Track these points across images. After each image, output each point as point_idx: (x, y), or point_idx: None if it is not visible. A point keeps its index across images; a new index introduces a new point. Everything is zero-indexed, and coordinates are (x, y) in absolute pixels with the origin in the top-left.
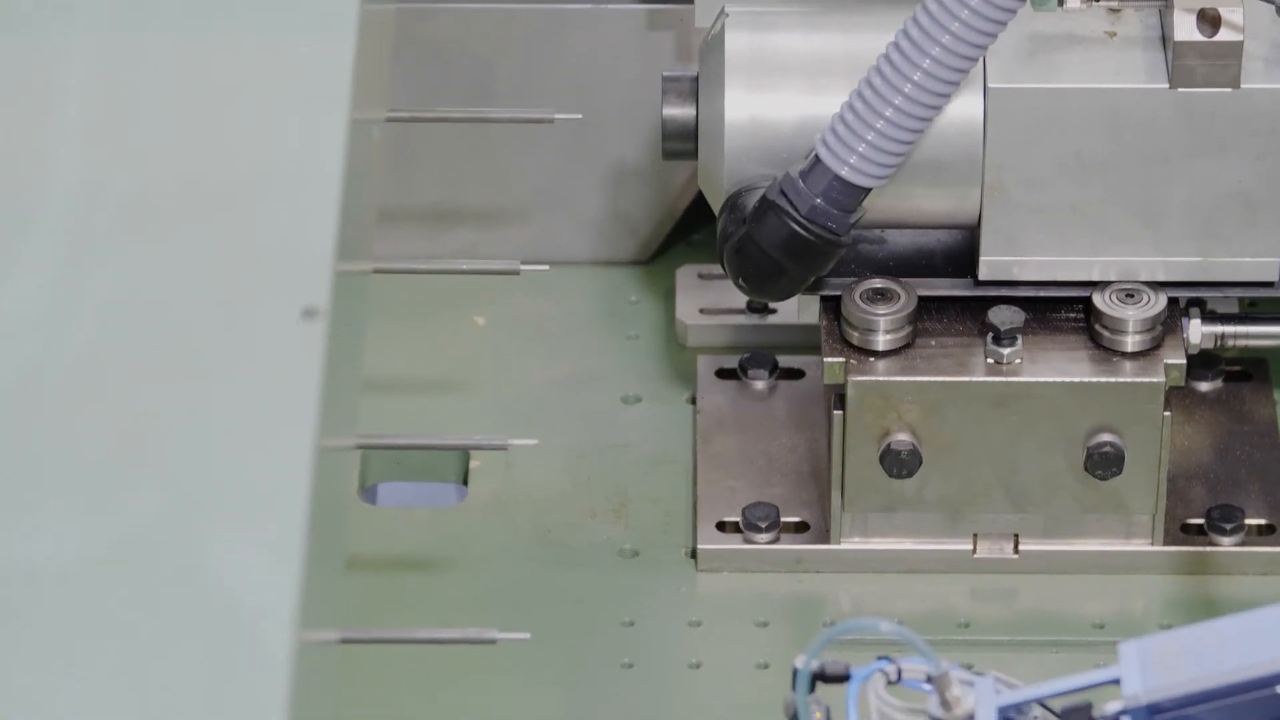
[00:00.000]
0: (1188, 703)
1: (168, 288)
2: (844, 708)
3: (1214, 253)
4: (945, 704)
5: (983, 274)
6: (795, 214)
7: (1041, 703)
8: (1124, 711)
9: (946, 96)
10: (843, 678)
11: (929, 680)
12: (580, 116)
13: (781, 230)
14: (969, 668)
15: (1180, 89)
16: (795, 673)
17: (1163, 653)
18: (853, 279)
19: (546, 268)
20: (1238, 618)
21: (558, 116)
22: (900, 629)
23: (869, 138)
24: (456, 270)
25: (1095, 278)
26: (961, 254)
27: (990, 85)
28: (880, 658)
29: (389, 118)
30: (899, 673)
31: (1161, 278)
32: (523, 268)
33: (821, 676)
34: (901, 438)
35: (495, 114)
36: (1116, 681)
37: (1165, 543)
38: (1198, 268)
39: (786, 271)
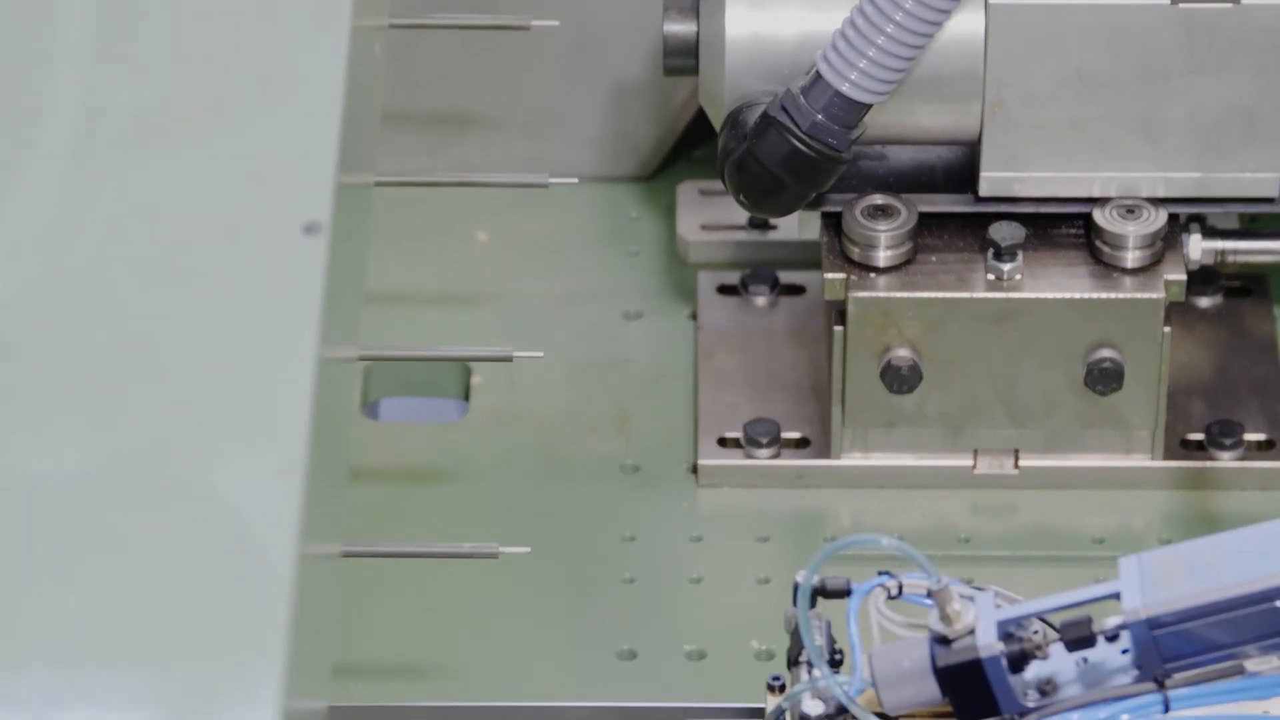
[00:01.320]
0: (1187, 617)
1: (169, 203)
2: (845, 622)
3: (1214, 168)
4: (945, 618)
5: (983, 190)
6: (796, 130)
7: (1041, 617)
8: (1123, 626)
9: (947, 12)
10: (843, 593)
11: (929, 595)
12: (557, 24)
13: (782, 146)
14: (969, 582)
15: (1181, 4)
16: (796, 587)
17: (1162, 567)
18: (853, 195)
19: (575, 180)
20: (1237, 533)
21: (535, 24)
22: (901, 544)
23: (870, 53)
24: (486, 184)
25: (1096, 194)
26: (962, 170)
27: (991, 1)
28: (881, 573)
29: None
30: (900, 587)
31: (1162, 194)
32: (552, 180)
33: (822, 591)
34: (902, 353)
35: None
36: (1116, 596)
37: (1165, 458)
38: (1198, 183)
39: (787, 187)
